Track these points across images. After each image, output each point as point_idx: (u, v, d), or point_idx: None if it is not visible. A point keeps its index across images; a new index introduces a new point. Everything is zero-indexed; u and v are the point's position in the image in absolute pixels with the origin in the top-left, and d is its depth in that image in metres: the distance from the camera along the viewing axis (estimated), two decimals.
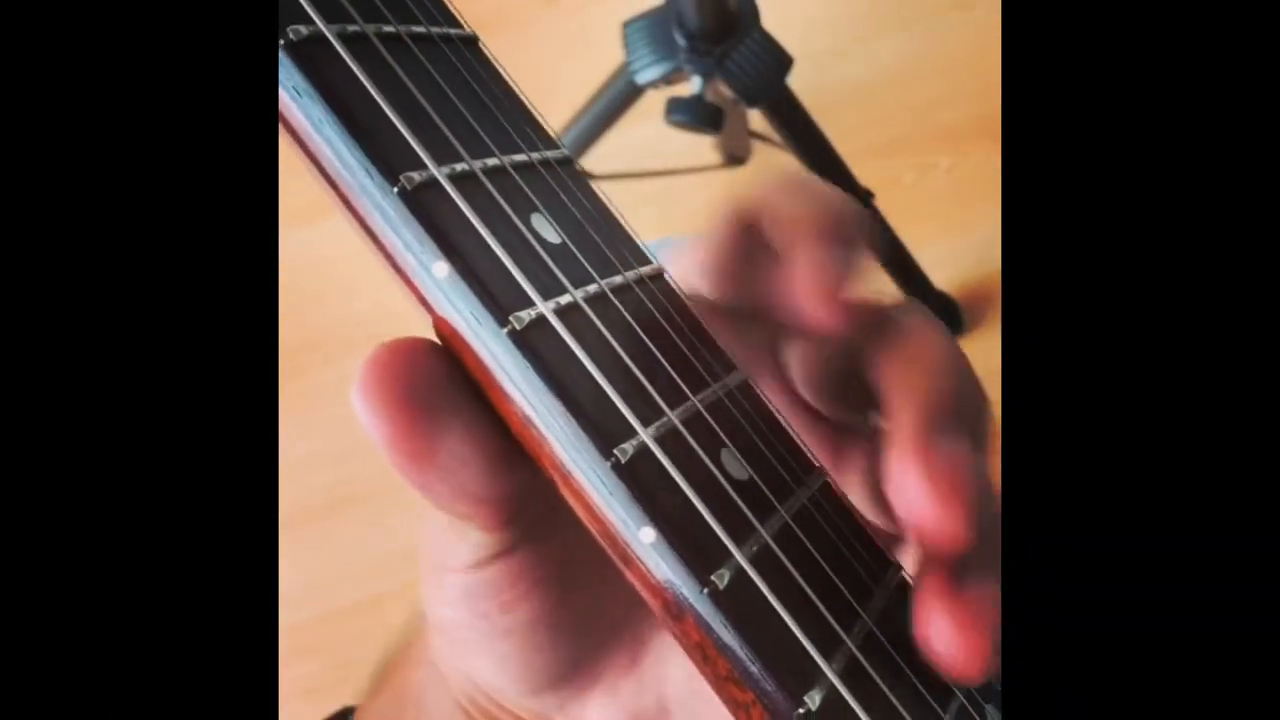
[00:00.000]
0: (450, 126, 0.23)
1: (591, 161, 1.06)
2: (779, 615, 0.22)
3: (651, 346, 0.23)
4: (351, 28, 0.22)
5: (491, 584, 0.25)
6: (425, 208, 0.21)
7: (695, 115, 0.90)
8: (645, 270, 0.25)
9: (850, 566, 0.24)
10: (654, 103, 0.93)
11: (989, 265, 1.15)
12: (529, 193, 0.23)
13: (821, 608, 0.23)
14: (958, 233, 1.16)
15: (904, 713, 0.23)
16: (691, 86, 0.92)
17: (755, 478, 0.23)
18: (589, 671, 0.29)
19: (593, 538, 0.22)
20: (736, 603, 0.21)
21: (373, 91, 0.21)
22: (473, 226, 0.22)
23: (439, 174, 0.22)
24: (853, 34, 1.28)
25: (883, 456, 0.23)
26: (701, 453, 0.23)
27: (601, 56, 1.01)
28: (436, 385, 0.22)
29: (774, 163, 1.06)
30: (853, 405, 0.26)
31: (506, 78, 0.25)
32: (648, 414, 0.22)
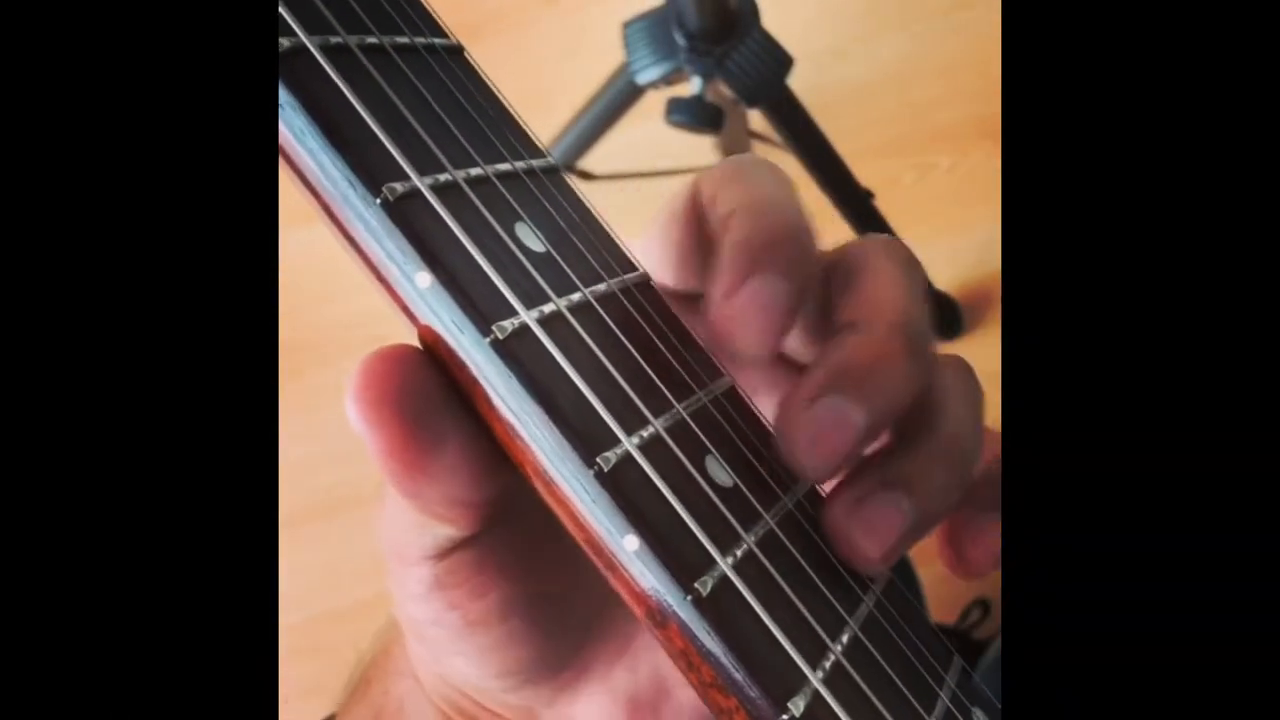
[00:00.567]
0: (433, 137, 0.23)
1: (591, 161, 1.06)
2: (763, 622, 0.22)
3: (635, 354, 0.23)
4: (334, 39, 0.22)
5: (458, 571, 0.25)
6: (408, 218, 0.21)
7: (695, 115, 0.90)
8: (630, 278, 0.25)
9: (836, 572, 0.24)
10: (654, 103, 0.93)
11: (989, 265, 1.15)
12: (513, 202, 0.23)
13: (806, 614, 0.23)
14: (958, 233, 1.16)
15: (889, 718, 0.23)
16: (691, 86, 0.92)
17: (740, 484, 0.23)
18: (576, 663, 0.29)
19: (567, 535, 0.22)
20: (720, 610, 0.21)
21: (355, 103, 0.21)
22: (455, 237, 0.22)
23: (421, 185, 0.22)
24: (853, 34, 1.28)
25: None
26: (685, 460, 0.23)
27: (601, 56, 1.01)
28: (430, 396, 0.22)
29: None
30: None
31: (492, 86, 0.25)
32: (631, 422, 0.22)
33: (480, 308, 0.21)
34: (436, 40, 0.25)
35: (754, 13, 0.92)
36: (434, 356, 0.22)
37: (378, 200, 0.21)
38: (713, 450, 0.23)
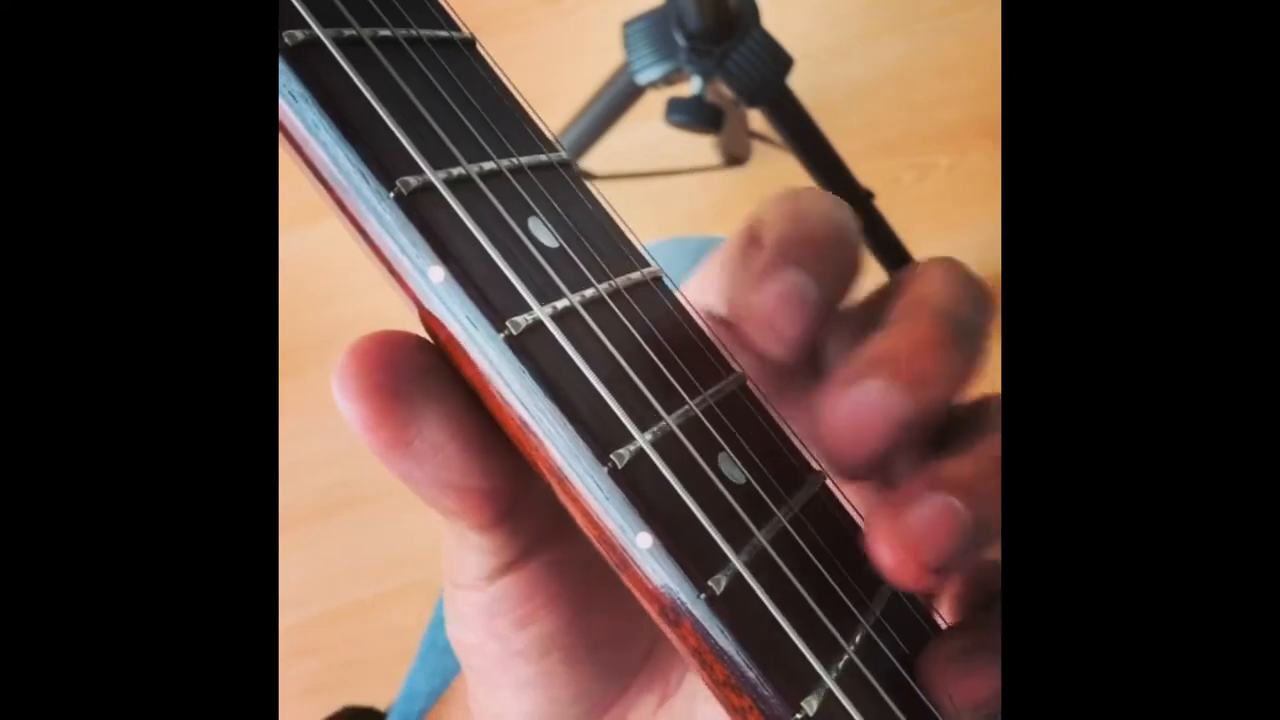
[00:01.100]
0: (447, 130, 0.22)
1: (591, 161, 1.06)
2: (776, 620, 0.22)
3: (649, 351, 0.23)
4: (348, 32, 0.22)
5: (505, 599, 0.25)
6: (421, 212, 0.21)
7: (695, 115, 0.90)
8: (643, 273, 0.25)
9: (849, 570, 0.24)
10: (654, 103, 0.93)
11: (989, 265, 1.14)
12: (526, 197, 0.23)
13: (819, 612, 0.23)
14: (958, 233, 1.16)
15: (901, 717, 0.23)
16: (691, 86, 0.92)
17: (753, 481, 0.23)
18: (612, 713, 0.28)
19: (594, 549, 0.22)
20: (733, 608, 0.21)
21: (369, 96, 0.21)
22: (469, 231, 0.21)
23: (435, 178, 0.21)
24: (853, 34, 1.28)
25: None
26: (699, 457, 0.23)
27: (601, 56, 1.01)
28: (413, 373, 0.22)
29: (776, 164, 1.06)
30: None
31: (505, 80, 0.25)
32: (645, 419, 0.22)
33: (494, 303, 0.21)
34: (449, 33, 0.24)
35: (754, 13, 0.92)
36: (443, 351, 0.22)
37: (391, 194, 0.21)
38: (725, 447, 0.23)
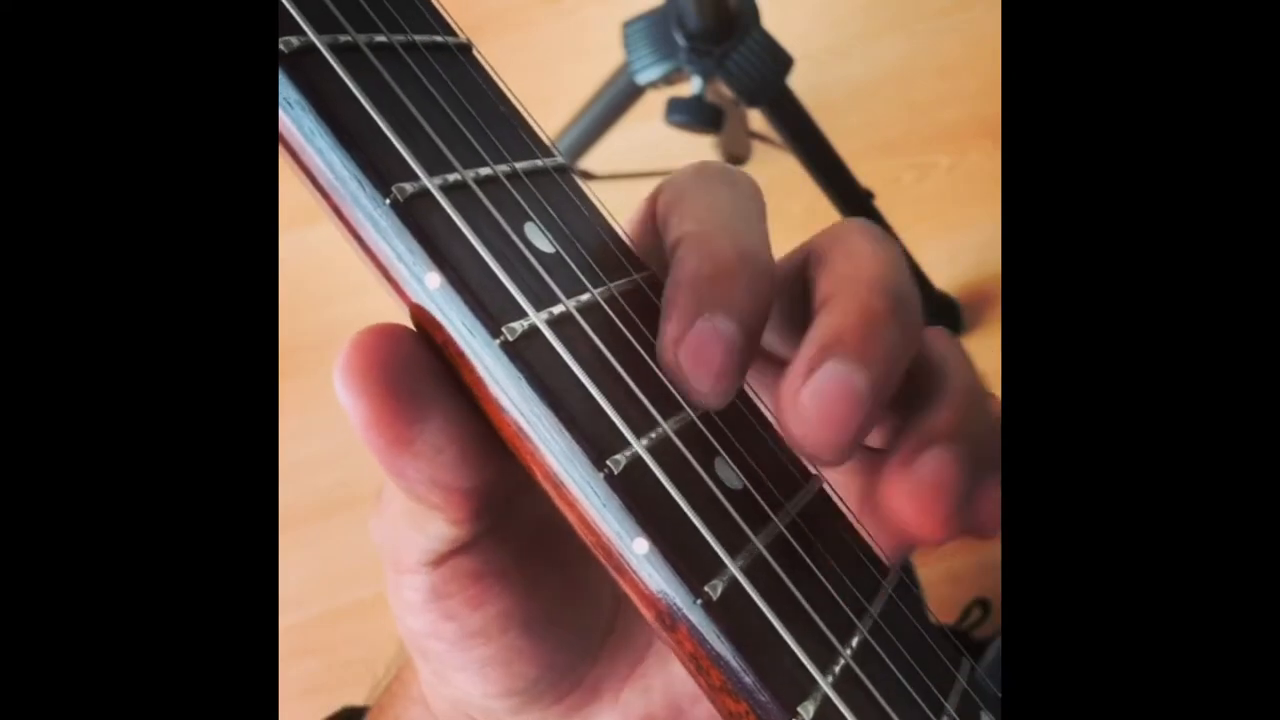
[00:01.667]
0: (443, 136, 0.22)
1: (591, 161, 1.06)
2: (773, 626, 0.22)
3: (645, 356, 0.23)
4: (343, 38, 0.22)
5: (455, 579, 0.25)
6: (417, 219, 0.21)
7: (695, 115, 0.90)
8: (640, 278, 0.25)
9: (846, 575, 0.24)
10: (654, 103, 0.93)
11: (989, 265, 1.15)
12: (522, 202, 0.23)
13: (816, 618, 0.23)
14: (958, 233, 1.16)
15: None
16: (691, 86, 0.92)
17: (749, 487, 0.23)
18: (584, 684, 0.28)
19: (581, 544, 0.22)
20: (730, 613, 0.21)
21: (364, 102, 0.21)
22: (465, 237, 0.21)
23: (431, 185, 0.21)
24: (853, 34, 1.28)
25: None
26: (695, 462, 0.23)
27: (601, 56, 1.01)
28: (418, 372, 0.22)
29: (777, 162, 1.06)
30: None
31: (501, 84, 0.25)
32: (641, 424, 0.22)
33: (490, 309, 0.21)
34: (446, 38, 0.24)
35: (754, 13, 0.92)
36: (429, 340, 0.22)
37: (387, 200, 0.21)
38: (721, 452, 0.23)
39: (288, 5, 0.21)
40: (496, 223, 0.22)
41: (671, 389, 0.23)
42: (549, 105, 1.04)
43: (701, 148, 1.06)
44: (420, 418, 0.22)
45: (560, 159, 0.25)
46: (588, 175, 1.08)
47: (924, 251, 1.09)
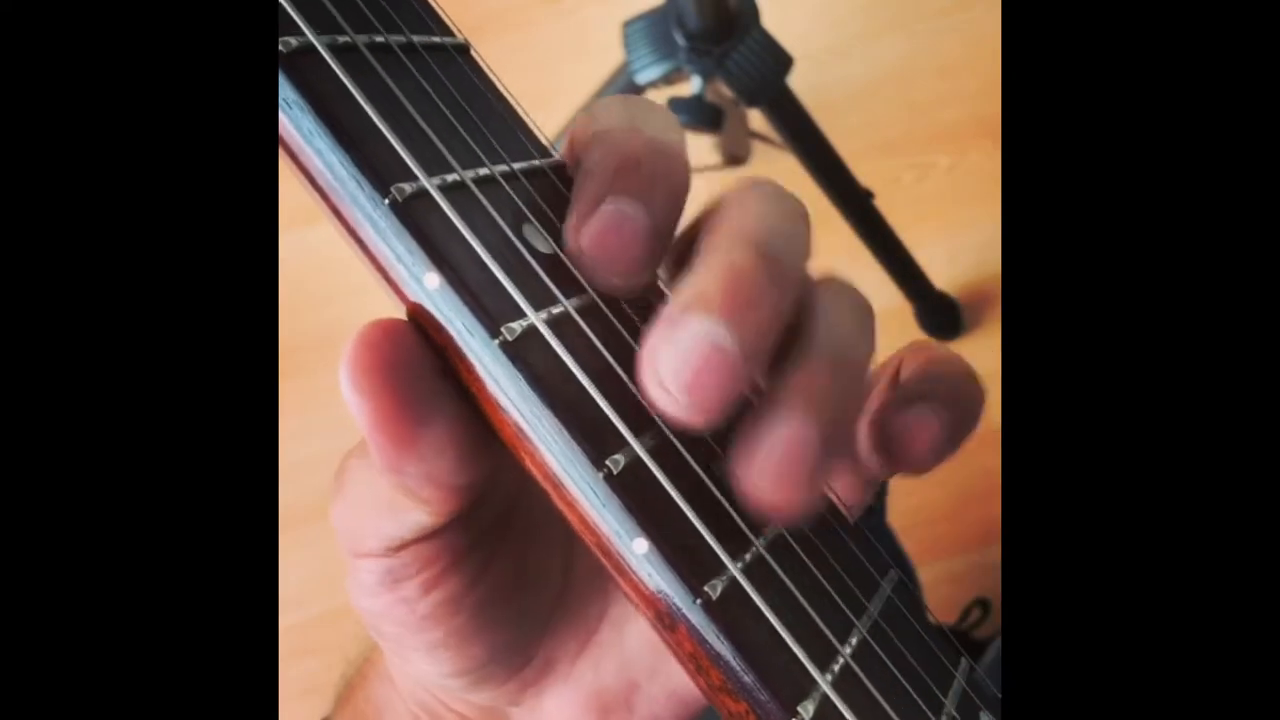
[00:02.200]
0: (441, 137, 0.22)
1: None
2: (772, 625, 0.22)
3: None
4: (342, 39, 0.22)
5: (409, 565, 0.25)
6: (416, 219, 0.21)
7: (695, 115, 0.90)
8: None
9: (845, 576, 0.24)
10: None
11: (989, 265, 1.15)
12: (521, 202, 0.23)
13: (816, 617, 0.23)
14: (958, 233, 1.16)
15: None
16: (691, 86, 0.92)
17: None
18: (535, 661, 0.28)
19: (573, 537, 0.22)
20: (729, 613, 0.21)
21: (363, 103, 0.21)
22: (464, 237, 0.21)
23: (429, 185, 0.21)
24: (853, 34, 1.28)
25: None
26: (694, 462, 0.22)
27: (601, 56, 1.01)
28: (424, 372, 0.22)
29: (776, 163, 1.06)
30: None
31: (499, 85, 0.25)
32: (640, 424, 0.22)
33: (489, 309, 0.21)
34: (444, 39, 0.24)
35: (754, 13, 0.92)
36: (427, 340, 0.22)
37: (386, 201, 0.21)
38: (720, 453, 0.23)
39: (286, 6, 0.21)
40: (495, 223, 0.22)
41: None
42: (549, 105, 1.04)
43: (701, 148, 1.06)
44: (427, 419, 0.22)
45: (558, 159, 0.25)
46: None
47: (924, 251, 1.09)
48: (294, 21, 0.21)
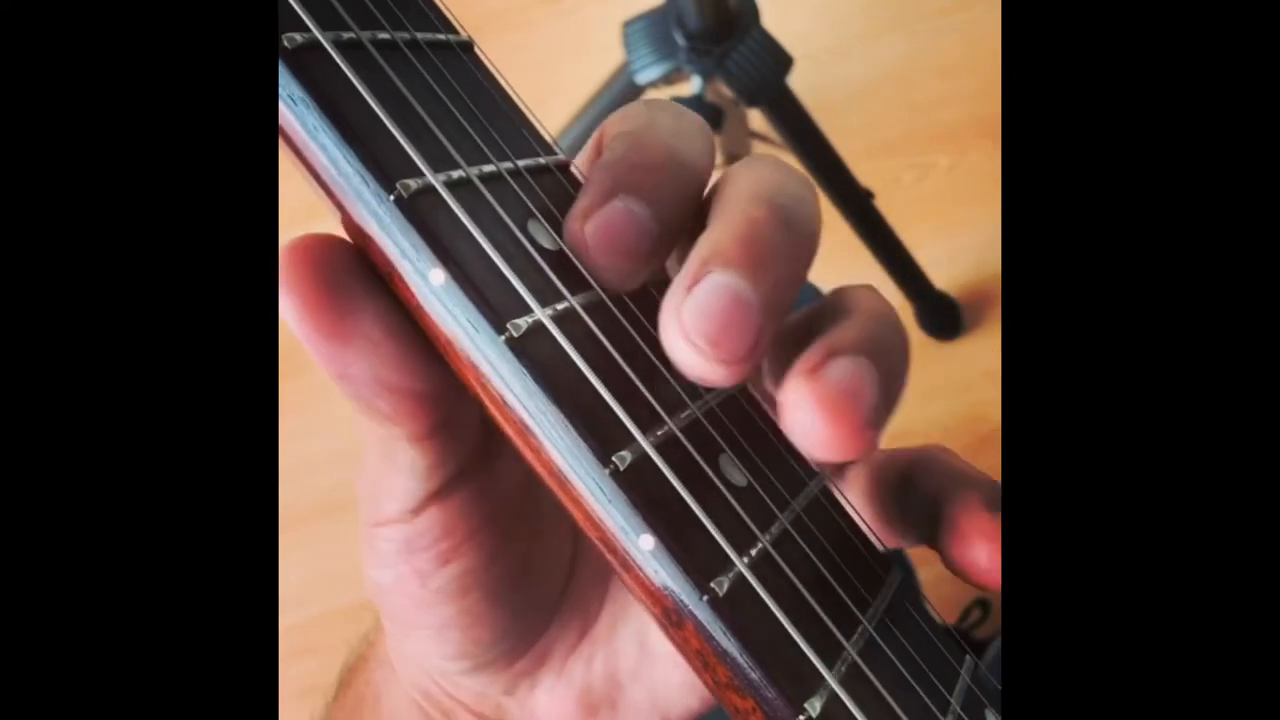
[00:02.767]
0: (446, 133, 0.22)
1: None
2: (779, 622, 0.22)
3: (649, 351, 0.23)
4: (347, 35, 0.22)
5: (427, 533, 0.25)
6: (422, 215, 0.21)
7: None
8: None
9: (851, 571, 0.24)
10: None
11: (989, 265, 1.15)
12: (526, 199, 0.23)
13: (822, 613, 0.23)
14: (958, 233, 1.16)
15: (904, 718, 0.23)
16: (691, 86, 0.92)
17: (754, 483, 0.23)
18: (532, 652, 0.29)
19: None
20: (736, 610, 0.21)
21: (369, 99, 0.21)
22: (470, 234, 0.21)
23: (435, 181, 0.21)
24: (853, 34, 1.28)
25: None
26: (700, 459, 0.22)
27: (601, 56, 1.01)
28: (349, 270, 0.22)
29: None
30: None
31: (503, 82, 0.25)
32: (646, 420, 0.22)
33: (494, 305, 0.21)
34: (448, 35, 0.24)
35: (754, 13, 0.92)
36: (439, 349, 0.22)
37: (391, 197, 0.21)
38: (726, 449, 0.23)
39: (292, 2, 0.21)
40: (500, 219, 0.22)
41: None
42: (549, 105, 1.04)
43: None
44: (352, 310, 0.22)
45: (563, 156, 0.25)
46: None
47: (924, 251, 1.09)
48: (300, 18, 0.21)
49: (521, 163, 0.24)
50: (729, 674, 0.21)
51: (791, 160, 0.99)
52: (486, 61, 0.25)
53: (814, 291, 0.59)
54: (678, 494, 0.22)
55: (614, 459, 0.21)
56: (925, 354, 1.13)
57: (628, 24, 0.94)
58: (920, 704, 0.23)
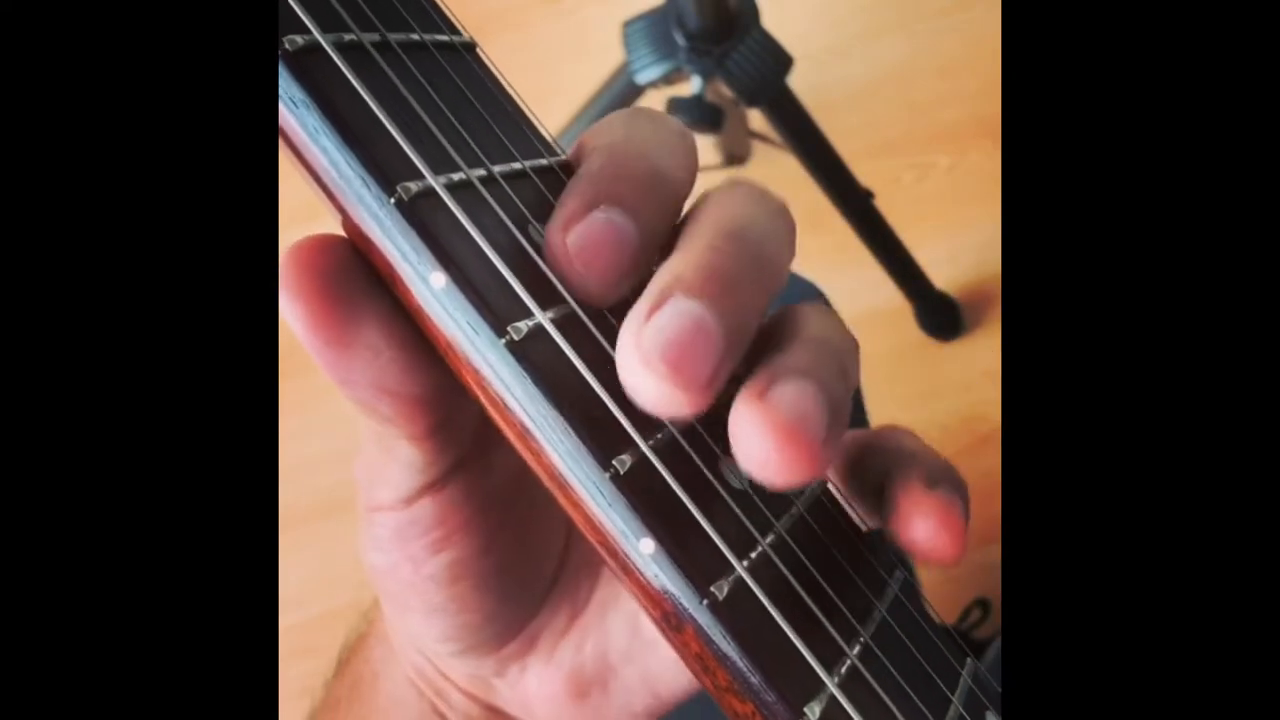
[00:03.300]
0: (447, 135, 0.22)
1: None
2: (779, 626, 0.22)
3: None
4: (348, 37, 0.22)
5: (421, 521, 0.26)
6: (422, 218, 0.21)
7: (695, 115, 0.90)
8: None
9: (851, 574, 0.24)
10: (654, 103, 0.93)
11: (989, 265, 1.15)
12: (527, 201, 0.23)
13: (822, 617, 0.23)
14: (958, 233, 1.16)
15: None
16: (691, 86, 0.92)
17: (754, 486, 0.23)
18: (522, 637, 0.29)
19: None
20: (736, 614, 0.21)
21: (369, 101, 0.21)
22: (470, 236, 0.21)
23: (436, 184, 0.21)
24: (853, 34, 1.28)
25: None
26: (700, 462, 0.22)
27: (601, 56, 1.01)
28: (353, 278, 0.22)
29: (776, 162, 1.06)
30: None
31: (505, 83, 0.25)
32: (647, 424, 0.22)
33: (495, 308, 0.21)
34: (450, 37, 0.24)
35: (754, 12, 0.92)
36: (440, 352, 0.22)
37: (392, 199, 0.21)
38: (726, 452, 0.23)
39: (293, 4, 0.21)
40: (501, 222, 0.22)
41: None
42: (549, 105, 1.04)
43: (702, 148, 1.06)
44: (355, 317, 0.22)
45: (565, 158, 0.25)
46: None
47: (924, 251, 1.09)
48: (300, 19, 0.21)
49: (522, 165, 0.24)
50: (729, 678, 0.21)
51: (791, 160, 0.99)
52: (488, 62, 0.25)
53: (813, 290, 0.59)
54: (678, 498, 0.22)
55: (614, 463, 0.21)
56: (925, 354, 1.13)
57: (628, 24, 0.94)
58: (920, 707, 0.23)
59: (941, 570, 1.12)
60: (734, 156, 1.12)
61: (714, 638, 0.21)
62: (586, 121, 1.03)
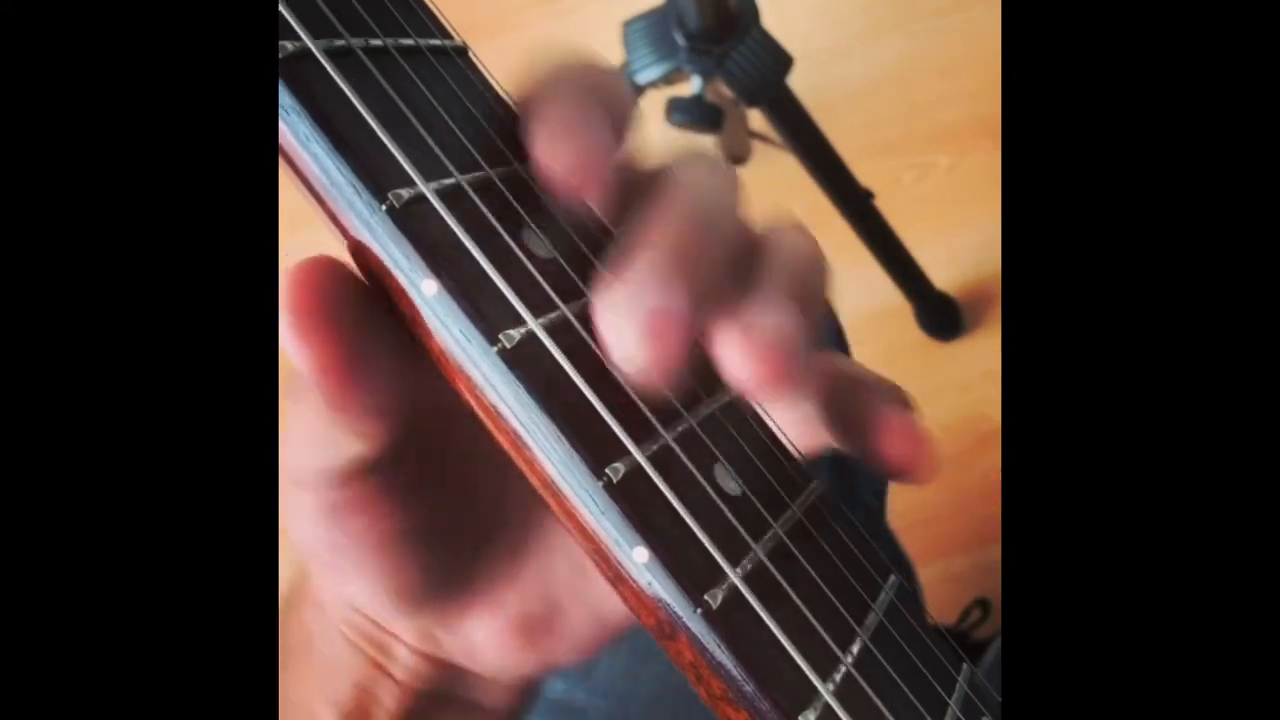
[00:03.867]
0: (439, 141, 0.22)
1: None
2: (773, 634, 0.22)
3: None
4: (338, 42, 0.21)
5: (355, 500, 0.25)
6: (413, 225, 0.21)
7: (695, 115, 0.90)
8: None
9: (846, 581, 0.24)
10: (654, 103, 0.93)
11: (989, 265, 1.15)
12: (519, 206, 0.23)
13: (817, 625, 0.22)
14: (958, 233, 1.16)
15: None
16: (691, 86, 0.92)
17: (749, 493, 0.23)
18: (466, 585, 0.29)
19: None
20: (730, 622, 0.21)
21: (360, 107, 0.21)
22: (462, 243, 0.21)
23: (427, 190, 0.21)
24: (853, 34, 1.28)
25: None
26: (694, 470, 0.22)
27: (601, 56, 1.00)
28: (363, 308, 0.22)
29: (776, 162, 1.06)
30: None
31: (498, 87, 0.25)
32: (640, 432, 0.22)
33: (487, 316, 0.21)
34: (442, 41, 0.24)
35: (754, 12, 0.92)
36: (432, 359, 0.22)
37: (383, 206, 0.21)
38: (721, 459, 0.23)
39: (283, 10, 0.21)
40: (493, 228, 0.22)
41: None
42: None
43: (702, 148, 1.06)
44: (370, 356, 0.22)
45: None
46: None
47: (924, 251, 1.09)
48: (290, 26, 0.21)
49: (516, 170, 0.24)
50: (723, 686, 0.21)
51: (791, 160, 0.99)
52: (481, 66, 0.25)
53: None
54: (671, 506, 0.21)
55: (607, 471, 0.21)
56: (925, 354, 1.13)
57: (627, 24, 0.94)
58: (917, 713, 0.23)
59: (942, 570, 1.12)
60: (734, 156, 1.12)
61: (708, 647, 0.21)
62: None
